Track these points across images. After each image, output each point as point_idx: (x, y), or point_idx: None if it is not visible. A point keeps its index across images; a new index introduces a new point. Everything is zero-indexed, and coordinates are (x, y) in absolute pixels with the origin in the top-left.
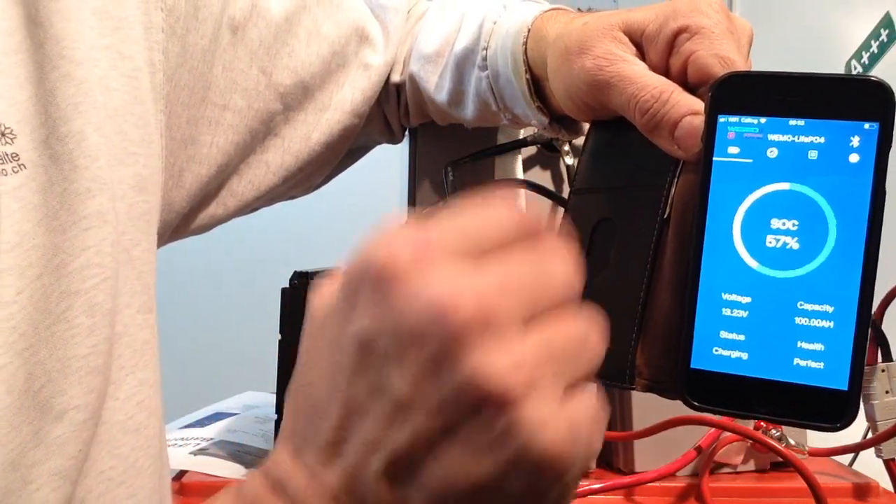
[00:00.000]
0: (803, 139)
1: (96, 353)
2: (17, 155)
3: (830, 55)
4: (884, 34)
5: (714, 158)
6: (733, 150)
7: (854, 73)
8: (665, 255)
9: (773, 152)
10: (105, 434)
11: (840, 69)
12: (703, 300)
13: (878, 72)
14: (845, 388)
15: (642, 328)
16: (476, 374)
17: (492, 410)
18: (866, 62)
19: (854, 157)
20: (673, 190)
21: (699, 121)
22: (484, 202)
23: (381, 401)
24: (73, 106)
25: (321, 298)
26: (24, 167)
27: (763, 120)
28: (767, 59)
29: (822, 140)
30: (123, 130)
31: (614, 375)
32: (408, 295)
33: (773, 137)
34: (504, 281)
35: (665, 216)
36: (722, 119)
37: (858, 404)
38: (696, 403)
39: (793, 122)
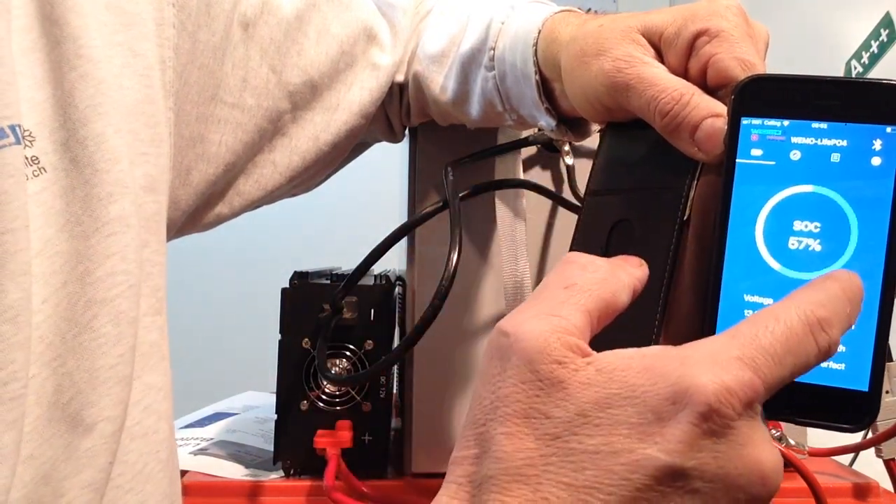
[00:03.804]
0: (826, 142)
1: (123, 362)
2: (37, 158)
3: (830, 55)
4: (884, 34)
5: (737, 160)
6: (756, 152)
7: (855, 73)
8: (685, 256)
9: (795, 155)
10: None
11: (840, 69)
12: (725, 302)
13: (878, 71)
14: (866, 389)
15: (662, 330)
16: None
17: None
18: (866, 62)
19: (876, 161)
20: (692, 192)
21: (720, 123)
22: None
23: None
24: (92, 107)
25: (582, 381)
26: (45, 171)
27: (786, 122)
28: (768, 59)
29: (844, 143)
30: (134, 130)
31: None
32: (738, 448)
33: (795, 140)
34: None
35: (685, 218)
36: (745, 121)
37: (879, 405)
38: None
39: (816, 125)
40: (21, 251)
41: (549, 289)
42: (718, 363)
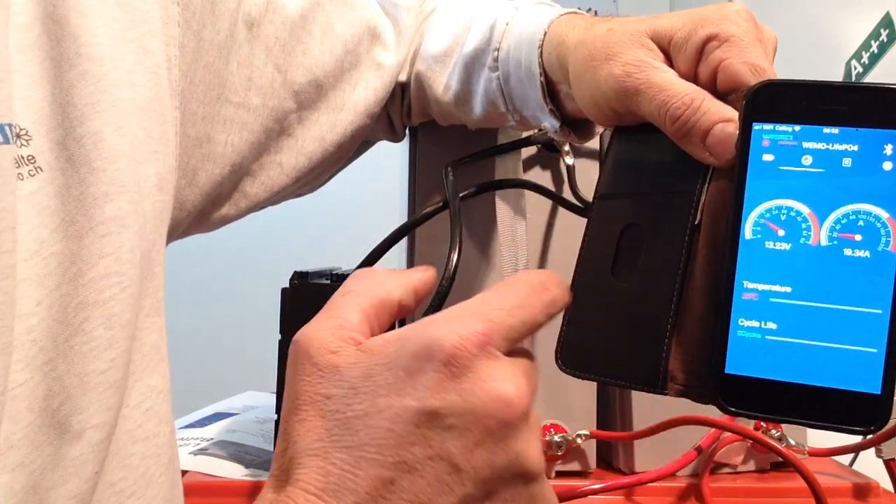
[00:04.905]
0: (837, 147)
1: (115, 367)
2: (34, 158)
3: (830, 55)
4: (884, 34)
5: (749, 165)
6: (768, 157)
7: (855, 73)
8: (696, 260)
9: (807, 160)
10: (114, 444)
11: (840, 69)
12: (738, 306)
13: (878, 71)
14: (878, 391)
15: (675, 334)
16: (522, 454)
17: (530, 481)
18: (866, 62)
19: (888, 165)
20: (703, 196)
21: (731, 128)
22: (521, 295)
23: (438, 465)
24: (90, 105)
25: (351, 362)
26: (41, 170)
27: (797, 128)
28: None
29: (855, 148)
30: (147, 127)
31: (647, 381)
32: (479, 383)
33: (807, 145)
34: (535, 385)
35: (696, 222)
36: (757, 126)
37: (891, 407)
38: (731, 409)
39: (827, 130)
40: (4, 253)
41: (331, 299)
42: (455, 320)
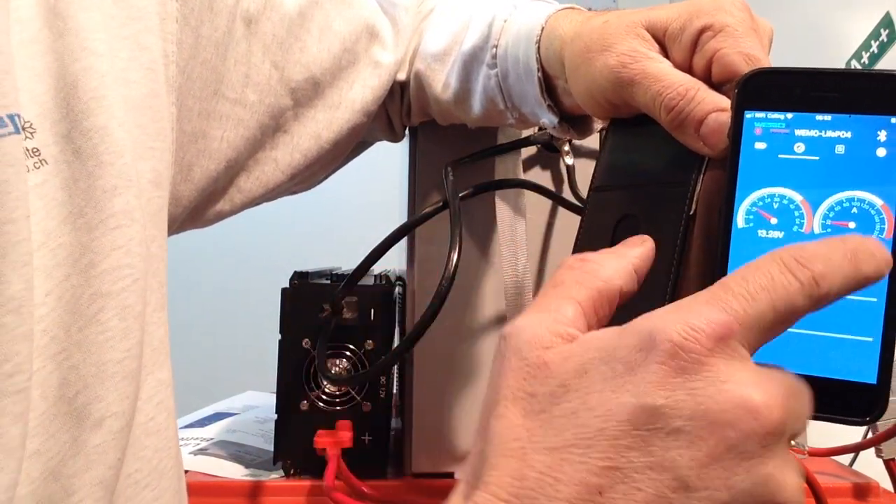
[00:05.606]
0: (830, 134)
1: (130, 357)
2: (38, 150)
3: (830, 55)
4: (884, 34)
5: (741, 154)
6: (760, 145)
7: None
8: (692, 251)
9: (799, 147)
10: (130, 436)
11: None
12: None
13: None
14: (874, 381)
15: None
16: (773, 480)
17: None
18: (866, 62)
19: (881, 152)
20: (699, 186)
21: (725, 117)
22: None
23: (660, 477)
24: (95, 100)
25: (564, 357)
26: (46, 163)
27: (790, 115)
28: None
29: (848, 135)
30: (142, 124)
31: None
32: (717, 384)
33: (799, 133)
34: (795, 404)
35: (692, 212)
36: (748, 115)
37: (888, 398)
38: None
39: (819, 117)
40: (22, 241)
41: (541, 292)
42: (683, 309)
